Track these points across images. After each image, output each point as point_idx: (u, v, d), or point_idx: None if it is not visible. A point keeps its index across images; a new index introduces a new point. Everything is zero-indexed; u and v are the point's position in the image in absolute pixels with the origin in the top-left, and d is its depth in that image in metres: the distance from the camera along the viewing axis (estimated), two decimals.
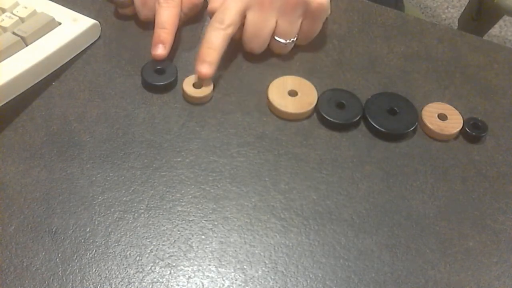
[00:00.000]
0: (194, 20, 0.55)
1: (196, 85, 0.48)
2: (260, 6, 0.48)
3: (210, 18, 0.49)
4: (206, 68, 0.48)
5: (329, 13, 0.51)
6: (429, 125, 0.48)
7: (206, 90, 0.48)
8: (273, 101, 0.48)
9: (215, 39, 0.48)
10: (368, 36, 0.57)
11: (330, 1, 0.51)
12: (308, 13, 0.50)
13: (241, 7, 0.48)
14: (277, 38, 0.51)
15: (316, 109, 0.48)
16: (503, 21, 1.69)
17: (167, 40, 0.49)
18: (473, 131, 0.48)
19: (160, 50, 0.49)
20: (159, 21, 0.49)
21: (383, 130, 0.47)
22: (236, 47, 0.53)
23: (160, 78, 0.49)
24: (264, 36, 0.50)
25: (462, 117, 0.48)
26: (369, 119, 0.47)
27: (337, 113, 0.48)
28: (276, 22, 0.50)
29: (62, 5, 0.52)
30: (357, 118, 0.48)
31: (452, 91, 0.52)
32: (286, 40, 0.51)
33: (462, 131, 0.48)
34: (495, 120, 0.50)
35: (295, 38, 0.51)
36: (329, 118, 0.47)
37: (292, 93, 0.49)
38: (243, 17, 0.49)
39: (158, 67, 0.49)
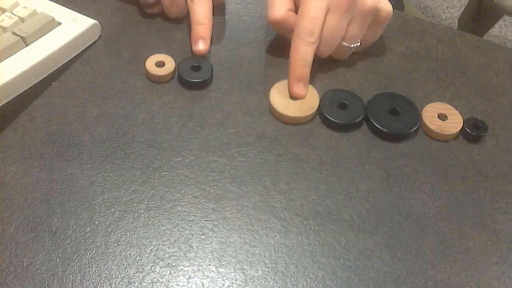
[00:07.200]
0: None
1: (158, 64, 0.49)
2: (338, 10, 0.46)
3: (273, 29, 0.48)
4: (302, 87, 0.47)
5: None
6: (429, 125, 0.48)
7: (167, 70, 0.49)
8: (274, 105, 0.48)
9: (309, 56, 0.46)
10: None
11: None
12: (376, 20, 0.49)
13: (325, 12, 0.46)
14: (343, 43, 0.49)
15: (318, 112, 0.48)
16: (503, 21, 1.69)
17: (206, 35, 0.50)
18: (473, 131, 0.48)
19: (201, 46, 0.50)
20: (196, 17, 0.50)
21: (386, 131, 0.47)
22: (236, 47, 0.53)
23: (197, 75, 0.49)
24: (336, 41, 0.49)
25: (462, 117, 0.48)
26: (372, 120, 0.47)
27: (340, 113, 0.48)
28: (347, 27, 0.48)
29: (62, 5, 0.52)
30: (360, 119, 0.47)
31: (452, 91, 0.52)
32: (351, 45, 0.50)
33: (462, 131, 0.48)
34: (495, 120, 0.50)
35: (359, 43, 0.51)
36: (331, 119, 0.47)
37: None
38: None
39: (195, 64, 0.50)
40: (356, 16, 0.48)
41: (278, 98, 0.48)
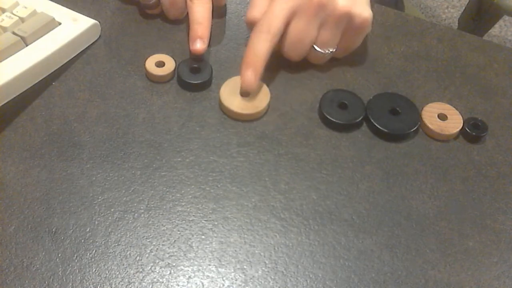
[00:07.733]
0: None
1: (158, 64, 0.49)
2: (305, 14, 0.47)
3: (249, 28, 0.49)
4: (251, 75, 0.47)
5: (370, 29, 0.50)
6: (429, 125, 0.48)
7: (167, 70, 0.49)
8: (221, 97, 0.47)
9: (261, 47, 0.47)
10: (368, 36, 0.56)
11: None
12: (351, 27, 0.49)
13: (288, 14, 0.47)
14: (316, 48, 0.50)
15: (318, 112, 0.48)
16: (503, 21, 1.69)
17: (204, 35, 0.50)
18: (473, 131, 0.48)
19: (199, 45, 0.49)
20: (194, 17, 0.50)
21: (386, 131, 0.47)
22: (236, 47, 0.53)
23: (196, 76, 0.49)
24: (305, 45, 0.49)
25: (462, 117, 0.48)
26: (372, 120, 0.47)
27: (340, 113, 0.48)
28: (318, 32, 0.49)
29: (62, 5, 0.52)
30: (360, 119, 0.47)
31: (452, 91, 0.52)
32: (325, 51, 0.50)
33: (462, 131, 0.48)
34: (495, 120, 0.50)
35: (334, 49, 0.51)
36: (331, 119, 0.47)
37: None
38: (287, 25, 0.48)
39: (194, 65, 0.50)
40: (326, 21, 0.48)
41: (228, 92, 0.48)
